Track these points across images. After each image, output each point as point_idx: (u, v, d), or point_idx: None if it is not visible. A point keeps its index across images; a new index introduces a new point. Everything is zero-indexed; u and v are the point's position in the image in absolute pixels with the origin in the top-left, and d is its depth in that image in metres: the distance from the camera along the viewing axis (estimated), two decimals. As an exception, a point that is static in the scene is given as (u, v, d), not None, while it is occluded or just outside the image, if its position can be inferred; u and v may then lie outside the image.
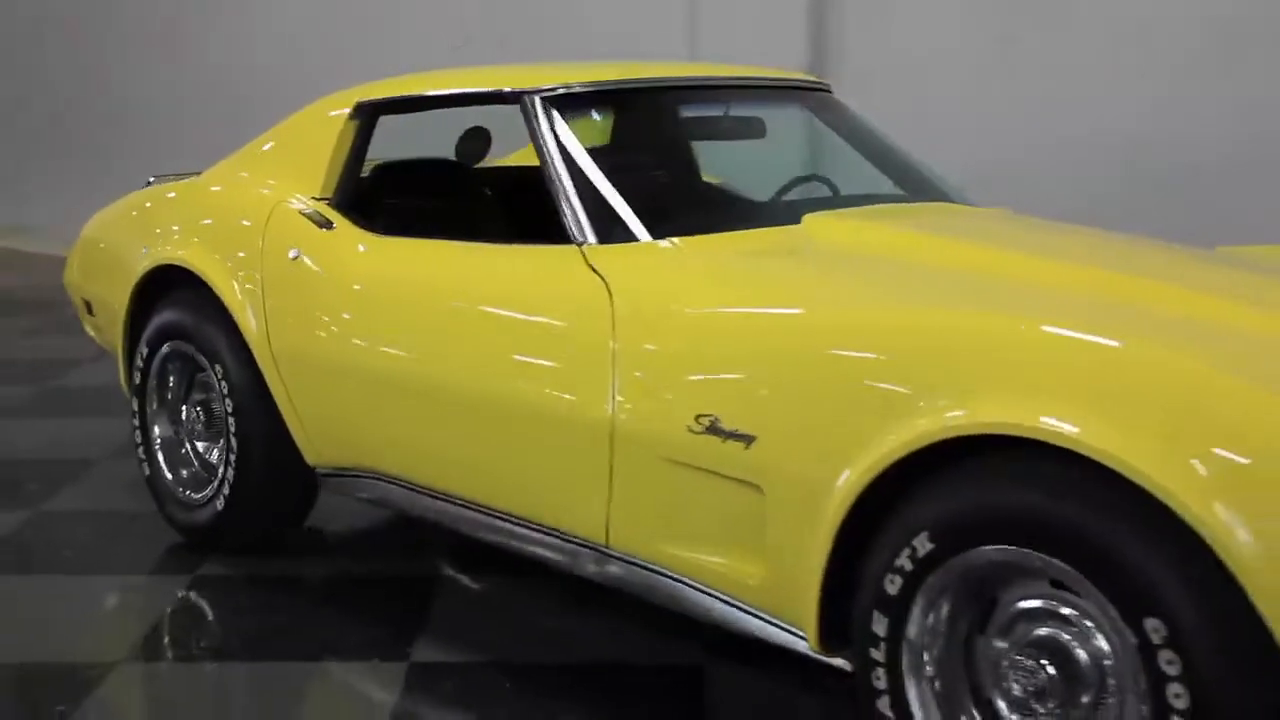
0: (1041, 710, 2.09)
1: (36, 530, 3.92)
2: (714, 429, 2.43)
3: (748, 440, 2.38)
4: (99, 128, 10.42)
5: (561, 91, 3.12)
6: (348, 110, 3.48)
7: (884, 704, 2.22)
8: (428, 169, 3.84)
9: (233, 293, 3.46)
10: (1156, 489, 1.86)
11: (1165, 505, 1.85)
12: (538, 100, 3.08)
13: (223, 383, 3.49)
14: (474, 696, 2.82)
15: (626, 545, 2.68)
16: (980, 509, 2.08)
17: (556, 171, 2.95)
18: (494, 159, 4.13)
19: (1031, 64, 5.80)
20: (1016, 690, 2.11)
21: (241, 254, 3.48)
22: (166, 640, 3.17)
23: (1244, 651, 1.84)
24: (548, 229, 2.90)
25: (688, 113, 3.66)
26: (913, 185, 3.49)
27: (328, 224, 3.36)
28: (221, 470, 3.54)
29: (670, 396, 2.52)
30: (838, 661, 2.35)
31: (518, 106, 3.08)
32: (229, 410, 3.48)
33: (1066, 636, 2.07)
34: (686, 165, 3.75)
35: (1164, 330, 2.19)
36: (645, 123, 3.60)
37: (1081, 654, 2.05)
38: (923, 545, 2.13)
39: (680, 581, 2.60)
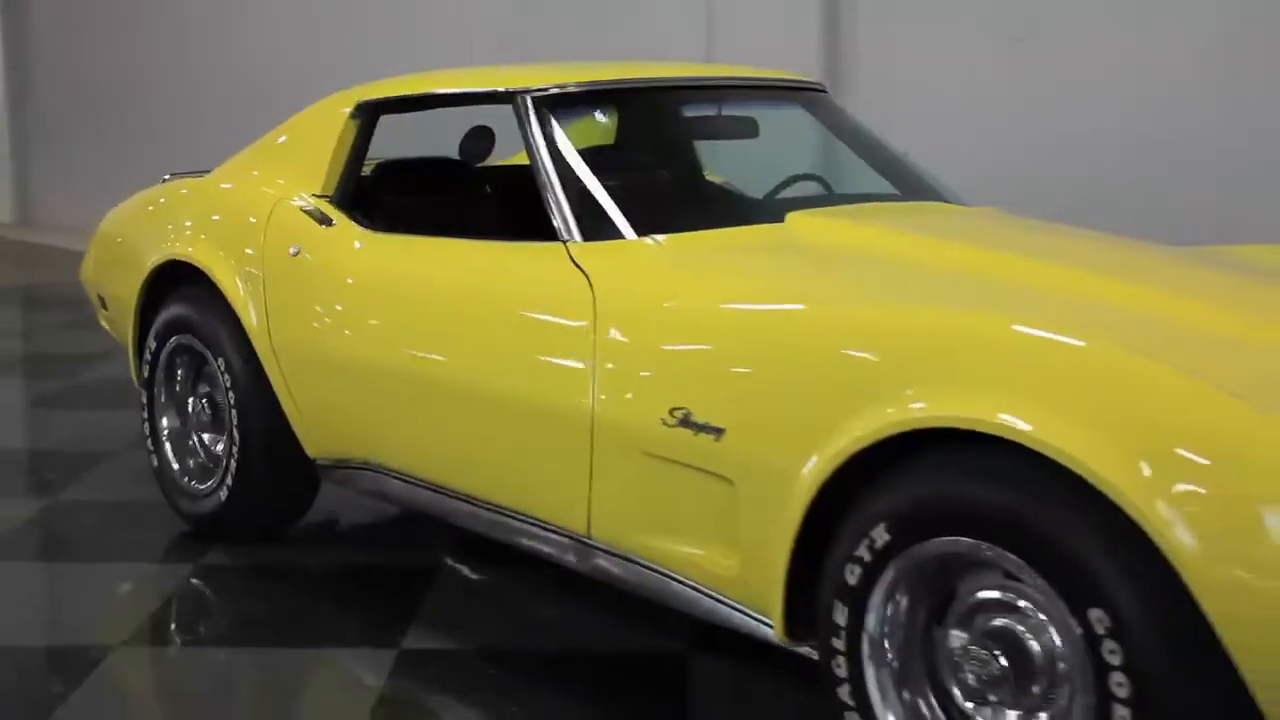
0: (994, 699, 2.13)
1: (51, 518, 4.03)
2: (686, 422, 2.48)
3: (718, 433, 2.43)
4: (158, 127, 10.52)
5: (553, 91, 3.18)
6: (349, 109, 3.56)
7: (844, 692, 2.26)
8: (428, 167, 3.90)
9: (235, 288, 3.54)
10: (1103, 485, 1.89)
11: (1112, 500, 1.89)
12: (529, 100, 3.14)
13: (226, 376, 3.57)
14: (459, 682, 2.89)
15: (607, 536, 2.74)
16: (934, 501, 2.12)
17: (544, 170, 3.01)
18: (499, 158, 4.20)
19: (1044, 64, 5.80)
20: (971, 680, 2.15)
21: (244, 250, 3.57)
22: (165, 625, 3.27)
23: (1185, 642, 1.87)
24: (541, 227, 2.97)
25: (681, 113, 3.70)
26: (905, 184, 3.53)
27: (328, 221, 3.43)
28: (225, 461, 3.63)
29: (646, 390, 2.57)
30: (805, 650, 2.40)
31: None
32: (231, 403, 3.56)
33: (1021, 628, 2.10)
34: (682, 163, 3.81)
35: (1123, 329, 2.23)
36: (639, 122, 3.66)
37: (1034, 645, 2.08)
38: (880, 536, 2.17)
39: (658, 572, 2.65)
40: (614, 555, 2.74)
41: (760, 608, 2.44)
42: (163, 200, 4.18)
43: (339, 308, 3.27)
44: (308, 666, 3.03)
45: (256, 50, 9.57)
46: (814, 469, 2.24)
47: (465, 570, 3.60)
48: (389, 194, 3.66)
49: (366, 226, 3.39)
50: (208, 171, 4.14)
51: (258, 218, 3.59)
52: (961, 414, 2.06)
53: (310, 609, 3.32)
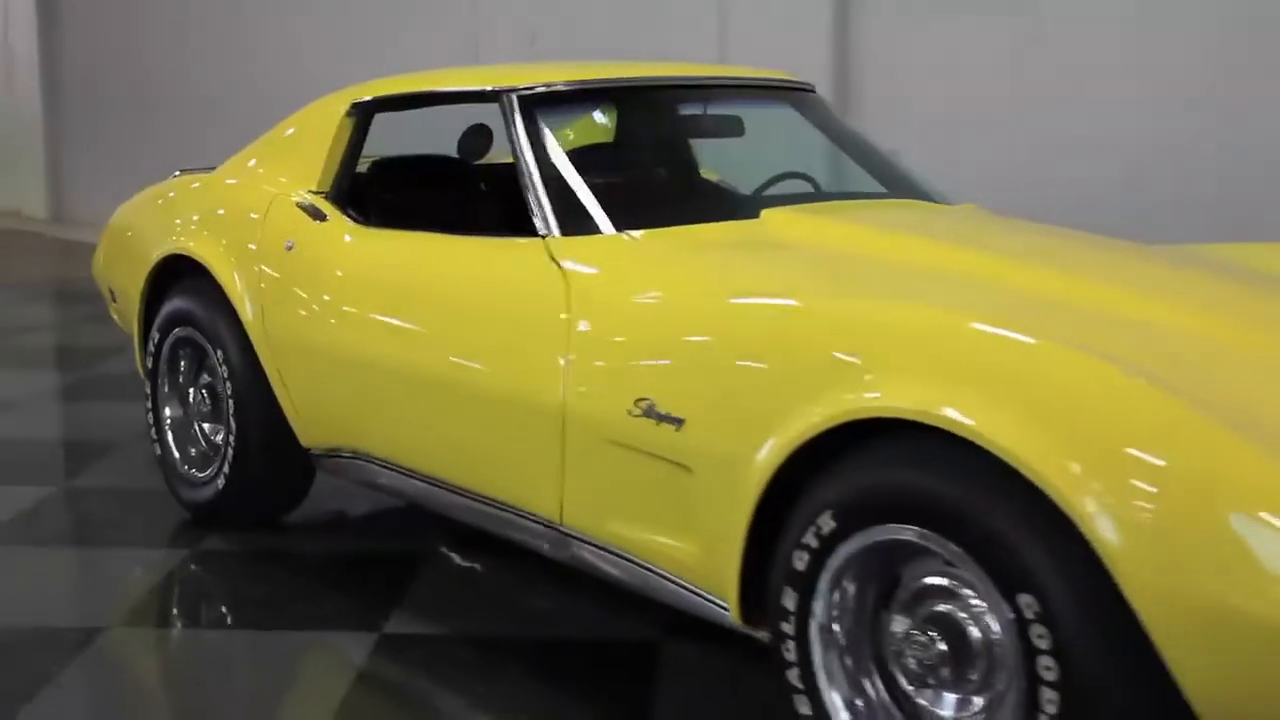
0: (935, 682, 2.19)
1: (56, 505, 4.14)
2: (650, 413, 2.55)
3: (678, 423, 2.50)
4: (190, 125, 10.66)
5: (539, 90, 3.26)
6: (345, 108, 3.65)
7: (793, 675, 2.32)
8: (424, 165, 3.99)
9: (233, 282, 3.63)
10: (1036, 477, 1.95)
11: (1043, 490, 1.94)
12: (514, 99, 3.21)
13: (224, 368, 3.67)
14: (435, 665, 2.98)
15: (578, 524, 2.81)
16: (878, 490, 2.18)
17: (526, 166, 3.09)
18: (498, 156, 4.27)
19: (1052, 65, 5.83)
20: (913, 664, 2.21)
21: (243, 244, 3.66)
22: (157, 607, 3.38)
23: (1110, 628, 1.92)
24: (525, 222, 3.04)
25: (668, 111, 3.76)
26: (890, 182, 3.59)
27: (321, 216, 3.52)
28: (223, 451, 3.72)
29: (614, 381, 2.64)
30: (761, 634, 2.46)
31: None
32: (229, 394, 3.66)
33: (962, 615, 2.16)
34: (673, 161, 3.87)
35: (1069, 326, 2.28)
36: (626, 121, 3.73)
37: (974, 631, 2.14)
38: (826, 523, 2.23)
39: (626, 559, 2.72)
40: (586, 543, 2.81)
41: (719, 593, 2.50)
42: (171, 195, 4.29)
43: (328, 300, 3.36)
44: (291, 648, 3.11)
45: (291, 48, 9.69)
46: (766, 458, 2.31)
47: (456, 559, 3.68)
48: (384, 190, 3.75)
49: (359, 222, 3.48)
50: (215, 167, 4.24)
51: (257, 213, 3.69)
52: (905, 406, 2.12)
53: (299, 593, 3.41)
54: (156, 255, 3.94)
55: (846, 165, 3.70)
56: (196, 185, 4.20)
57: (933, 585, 2.20)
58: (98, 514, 4.05)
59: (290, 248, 3.52)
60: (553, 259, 2.89)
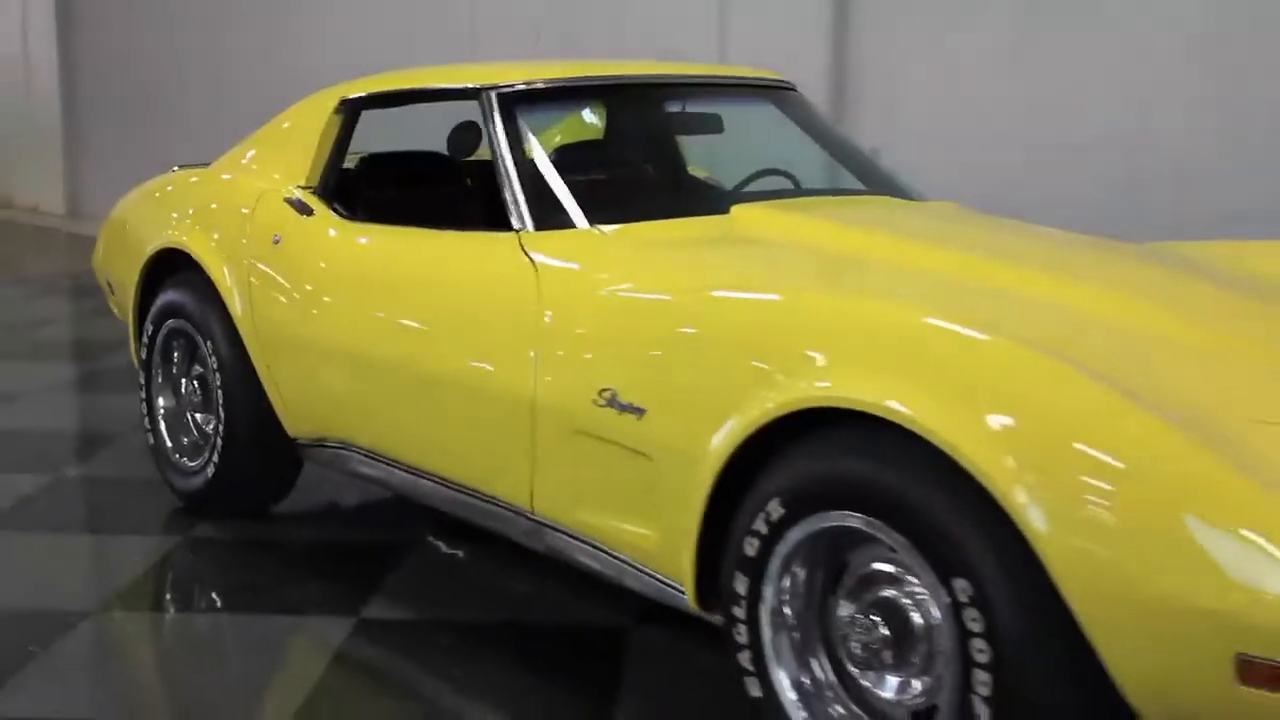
0: (878, 665, 2.25)
1: (54, 493, 4.23)
2: (613, 402, 2.61)
3: (639, 413, 2.56)
4: (205, 123, 10.74)
5: (517, 88, 3.32)
6: (334, 105, 3.72)
7: (744, 658, 2.38)
8: (411, 160, 4.06)
9: (223, 275, 3.71)
10: (972, 467, 2.00)
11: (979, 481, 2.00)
12: (493, 96, 3.28)
13: (213, 359, 3.75)
14: (411, 648, 3.05)
15: (548, 512, 2.87)
16: (823, 478, 2.24)
17: (503, 162, 3.16)
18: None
19: (1052, 64, 5.87)
20: (857, 647, 2.27)
21: (233, 238, 3.74)
22: (142, 592, 3.46)
23: (1040, 612, 1.98)
24: (502, 217, 3.11)
25: (648, 109, 3.82)
26: (868, 179, 3.65)
27: (308, 211, 3.60)
28: (212, 440, 3.80)
29: (580, 372, 2.71)
30: (716, 618, 2.52)
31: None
32: (218, 384, 3.74)
33: (905, 600, 2.22)
34: (656, 157, 3.92)
35: (1016, 321, 2.33)
36: (606, 119, 3.79)
37: (915, 616, 2.20)
38: (775, 510, 2.29)
39: (593, 546, 2.78)
40: (556, 531, 2.87)
41: (678, 578, 2.56)
42: (169, 189, 4.37)
43: (312, 292, 3.44)
44: (273, 631, 3.19)
45: (305, 47, 9.78)
46: (719, 446, 2.37)
47: (441, 547, 3.75)
48: (371, 186, 3.82)
49: (345, 216, 3.56)
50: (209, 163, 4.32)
51: (247, 208, 3.77)
52: (849, 395, 2.18)
53: (284, 579, 3.49)
54: (150, 248, 4.02)
55: (826, 162, 3.75)
56: (193, 180, 4.29)
57: (879, 571, 2.26)
58: (94, 502, 4.15)
59: (277, 242, 3.59)
60: (525, 252, 2.96)
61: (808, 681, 2.33)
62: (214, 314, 3.76)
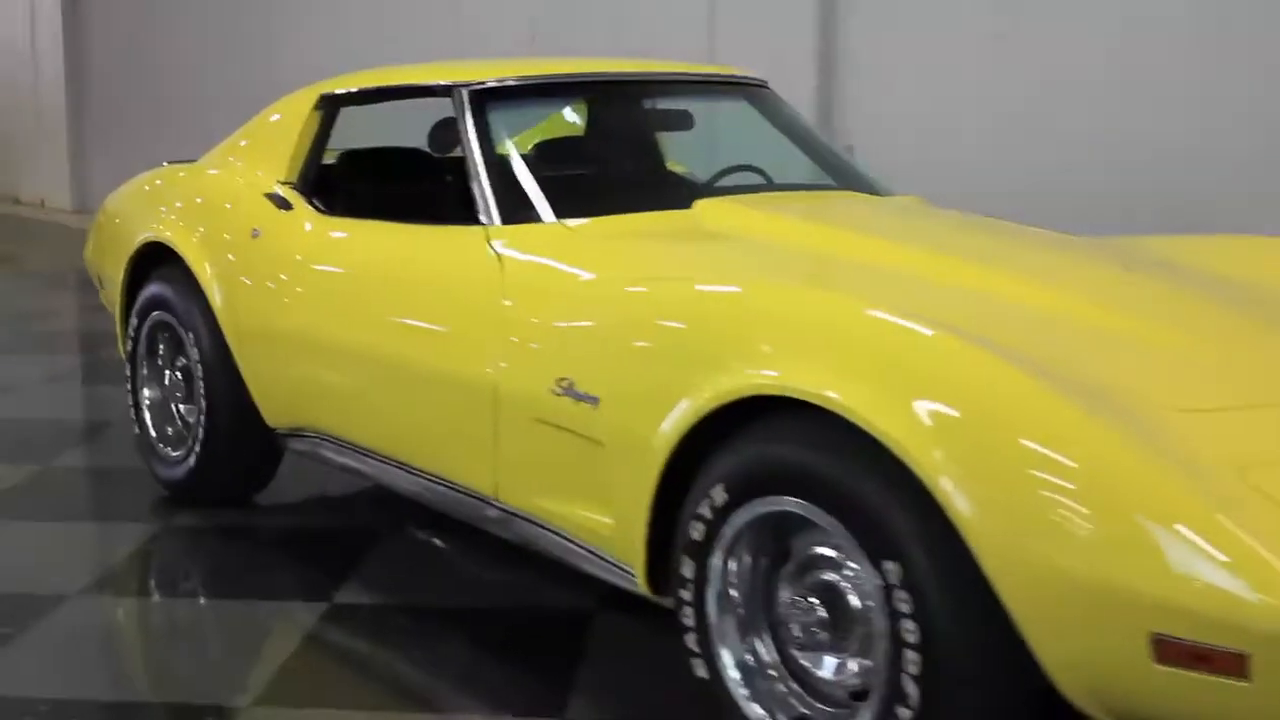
0: (816, 646, 2.31)
1: (43, 481, 4.32)
2: (569, 391, 2.68)
3: (594, 401, 2.63)
4: (212, 119, 10.80)
5: (490, 85, 3.39)
6: (313, 102, 3.80)
7: (691, 640, 2.45)
8: (389, 156, 4.13)
9: (204, 268, 3.79)
10: (902, 453, 2.06)
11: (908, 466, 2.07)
12: (465, 93, 3.36)
13: (195, 350, 3.83)
14: (378, 632, 3.14)
15: (512, 499, 2.94)
16: (764, 464, 2.30)
17: (472, 157, 3.23)
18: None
19: (1038, 60, 5.92)
20: (797, 630, 2.34)
21: (214, 232, 3.83)
22: (124, 577, 3.56)
23: (966, 593, 2.04)
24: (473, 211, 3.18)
25: (620, 106, 3.89)
26: (837, 174, 3.71)
27: (287, 205, 3.68)
28: (194, 430, 3.88)
29: (540, 362, 2.78)
30: (667, 602, 2.58)
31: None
32: (200, 375, 3.81)
33: (844, 584, 2.28)
34: (623, 153, 3.98)
35: (956, 313, 2.39)
36: (581, 115, 3.87)
37: (853, 600, 2.26)
38: (719, 496, 2.36)
39: (554, 532, 2.85)
40: (520, 518, 2.94)
41: (632, 563, 2.63)
42: (157, 183, 4.45)
43: (287, 283, 3.52)
44: (245, 615, 3.27)
45: (312, 44, 9.87)
46: (668, 433, 2.43)
47: (418, 535, 3.82)
48: (349, 181, 3.89)
49: (323, 211, 3.63)
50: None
51: (229, 202, 3.85)
52: (786, 384, 2.24)
53: (260, 565, 3.58)
54: (136, 242, 4.10)
55: (797, 157, 3.81)
56: (181, 175, 4.37)
57: (820, 555, 2.32)
58: (81, 490, 4.24)
59: (257, 235, 3.67)
60: (490, 245, 3.03)
61: (751, 660, 2.40)
62: (196, 307, 3.84)
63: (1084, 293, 2.63)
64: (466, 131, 3.29)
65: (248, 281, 3.66)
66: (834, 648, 2.30)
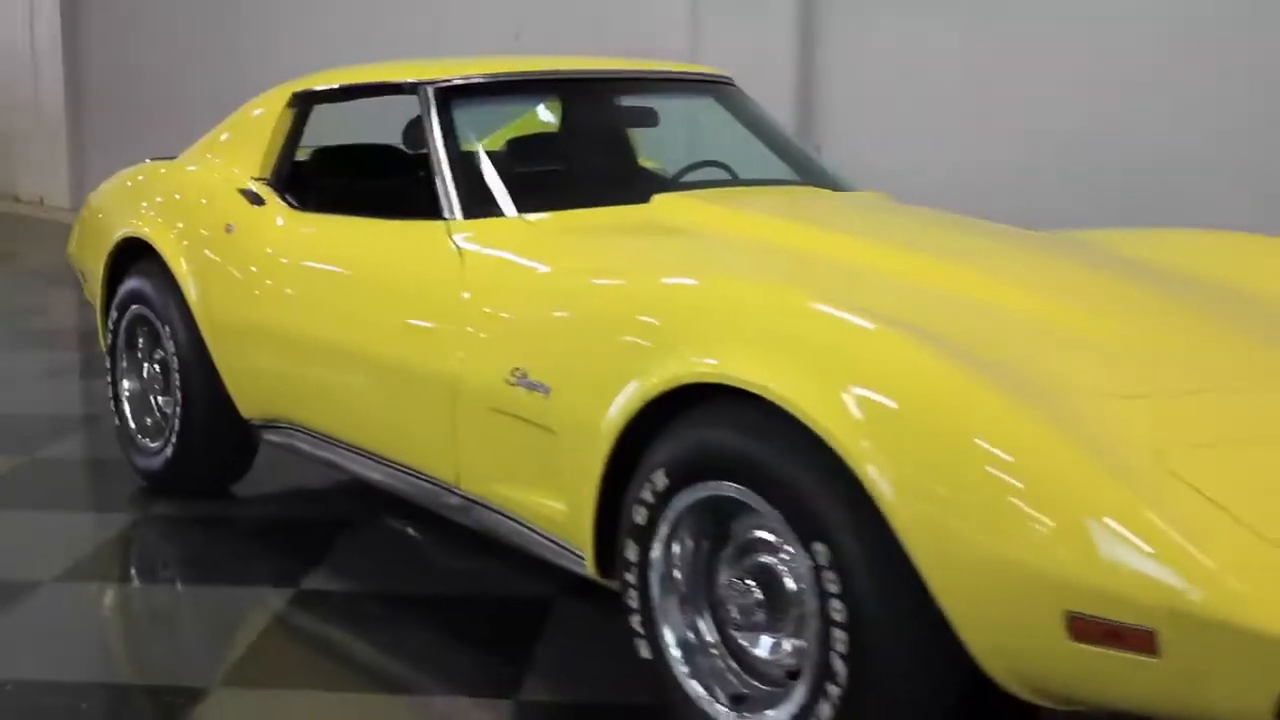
0: (753, 627, 2.38)
1: (25, 472, 4.41)
2: (523, 381, 2.76)
3: (546, 390, 2.70)
4: (210, 119, 10.88)
5: (454, 83, 3.47)
6: (286, 99, 3.88)
7: (635, 621, 2.52)
8: (361, 153, 4.20)
9: (179, 263, 3.87)
10: (829, 438, 2.14)
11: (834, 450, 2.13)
12: (430, 90, 3.43)
13: (170, 343, 3.90)
14: (342, 616, 3.23)
15: (472, 487, 3.02)
16: (700, 449, 2.38)
17: (435, 153, 3.30)
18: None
19: (1019, 59, 5.98)
20: (735, 611, 2.41)
21: (189, 227, 3.90)
22: (98, 565, 3.63)
23: (892, 573, 2.11)
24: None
25: (584, 103, 3.95)
26: (801, 169, 3.78)
27: (260, 201, 3.75)
28: (171, 421, 3.96)
29: (496, 352, 2.86)
30: (615, 585, 2.65)
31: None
32: (176, 368, 3.89)
33: (780, 567, 2.35)
34: (591, 149, 4.04)
35: (883, 302, 2.47)
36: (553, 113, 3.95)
37: (789, 581, 2.33)
38: (660, 481, 2.43)
39: (511, 519, 2.92)
40: (480, 505, 3.02)
41: (582, 547, 2.70)
42: (139, 178, 4.52)
43: (258, 276, 3.60)
44: (215, 600, 3.36)
45: (308, 43, 9.94)
46: (613, 420, 2.50)
47: (395, 525, 3.89)
48: (321, 177, 3.97)
49: (295, 207, 3.71)
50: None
51: (205, 198, 3.93)
52: (726, 372, 2.31)
53: (232, 553, 3.67)
54: (115, 237, 4.18)
55: (762, 153, 3.88)
56: (161, 171, 4.44)
57: (758, 539, 2.39)
58: (62, 481, 4.32)
59: (230, 230, 3.75)
60: (451, 239, 3.11)
61: (693, 638, 2.47)
62: (173, 301, 3.91)
63: (1029, 284, 2.69)
64: (431, 128, 3.36)
65: (221, 275, 3.73)
66: (770, 628, 2.37)
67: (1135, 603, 1.87)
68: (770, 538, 2.36)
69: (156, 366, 4.14)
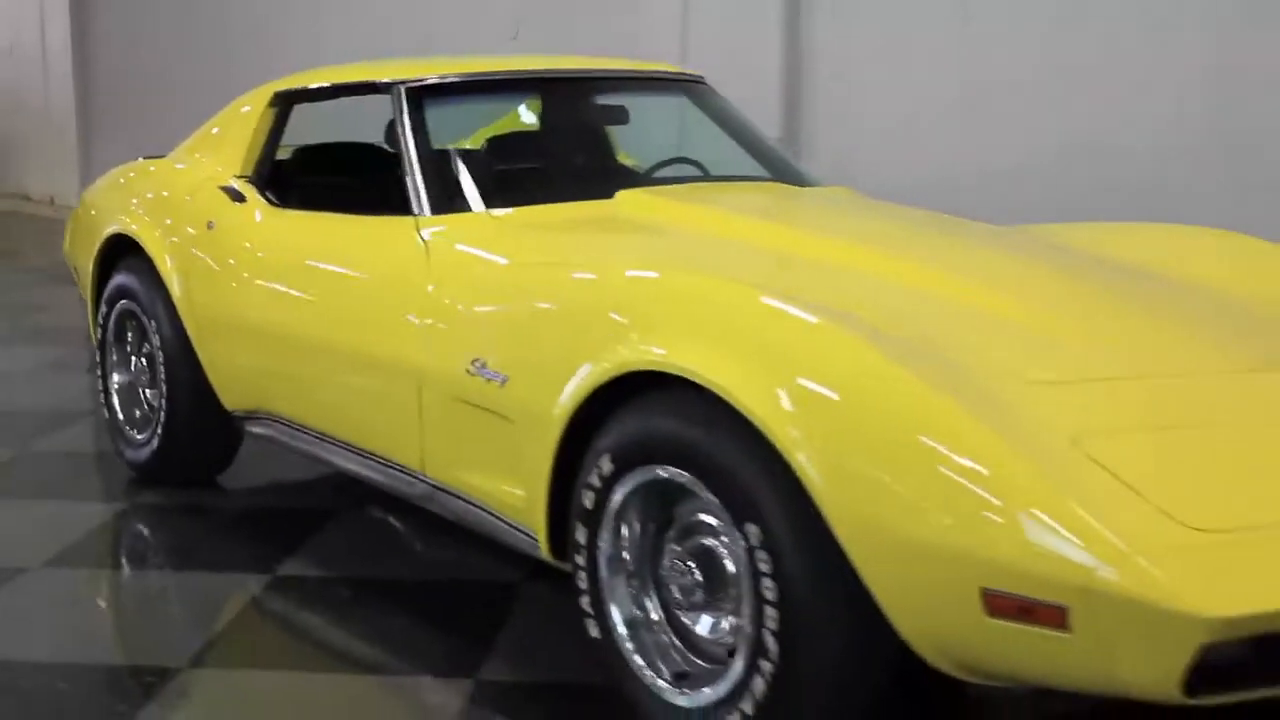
0: (694, 606, 2.48)
1: (16, 465, 4.52)
2: (481, 370, 2.85)
3: (503, 380, 2.80)
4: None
5: (428, 82, 3.56)
6: (268, 98, 3.98)
7: (585, 602, 2.61)
8: (339, 151, 4.30)
9: (164, 259, 3.97)
10: (761, 425, 2.22)
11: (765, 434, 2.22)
12: (402, 90, 3.53)
13: (156, 337, 4.01)
14: (315, 600, 3.33)
15: (438, 475, 3.11)
16: (642, 434, 2.47)
17: (406, 151, 3.40)
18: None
19: (1006, 59, 6.03)
20: (675, 590, 2.50)
21: (174, 224, 4.01)
22: (82, 552, 3.73)
23: (820, 554, 2.20)
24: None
25: (556, 101, 4.04)
26: (769, 165, 3.87)
27: (241, 198, 3.85)
28: (157, 414, 4.06)
29: (457, 343, 2.96)
30: (567, 567, 2.74)
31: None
32: (161, 361, 4.00)
33: (721, 549, 2.43)
34: (561, 146, 4.13)
35: (822, 292, 2.55)
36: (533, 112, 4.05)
37: (728, 563, 2.41)
38: (606, 466, 2.52)
39: (474, 505, 3.02)
40: (446, 492, 3.11)
41: (537, 532, 2.79)
42: (131, 175, 4.63)
43: (239, 273, 3.70)
44: (191, 585, 3.48)
45: (315, 43, 10.03)
46: (564, 406, 2.60)
47: (375, 515, 3.98)
48: (301, 174, 4.07)
49: (275, 204, 3.81)
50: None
51: (189, 195, 4.03)
52: (669, 361, 2.40)
53: (213, 541, 3.77)
54: (104, 234, 4.29)
55: (731, 150, 3.97)
56: (151, 169, 4.55)
57: (701, 522, 2.48)
58: (53, 472, 4.43)
59: (211, 227, 3.85)
60: (419, 234, 3.20)
61: (640, 615, 2.56)
62: (158, 296, 4.02)
63: (972, 274, 2.78)
64: (403, 126, 3.46)
65: (203, 271, 3.84)
66: (710, 608, 2.46)
67: (1048, 580, 1.95)
68: (711, 521, 2.44)
69: (144, 360, 4.25)
